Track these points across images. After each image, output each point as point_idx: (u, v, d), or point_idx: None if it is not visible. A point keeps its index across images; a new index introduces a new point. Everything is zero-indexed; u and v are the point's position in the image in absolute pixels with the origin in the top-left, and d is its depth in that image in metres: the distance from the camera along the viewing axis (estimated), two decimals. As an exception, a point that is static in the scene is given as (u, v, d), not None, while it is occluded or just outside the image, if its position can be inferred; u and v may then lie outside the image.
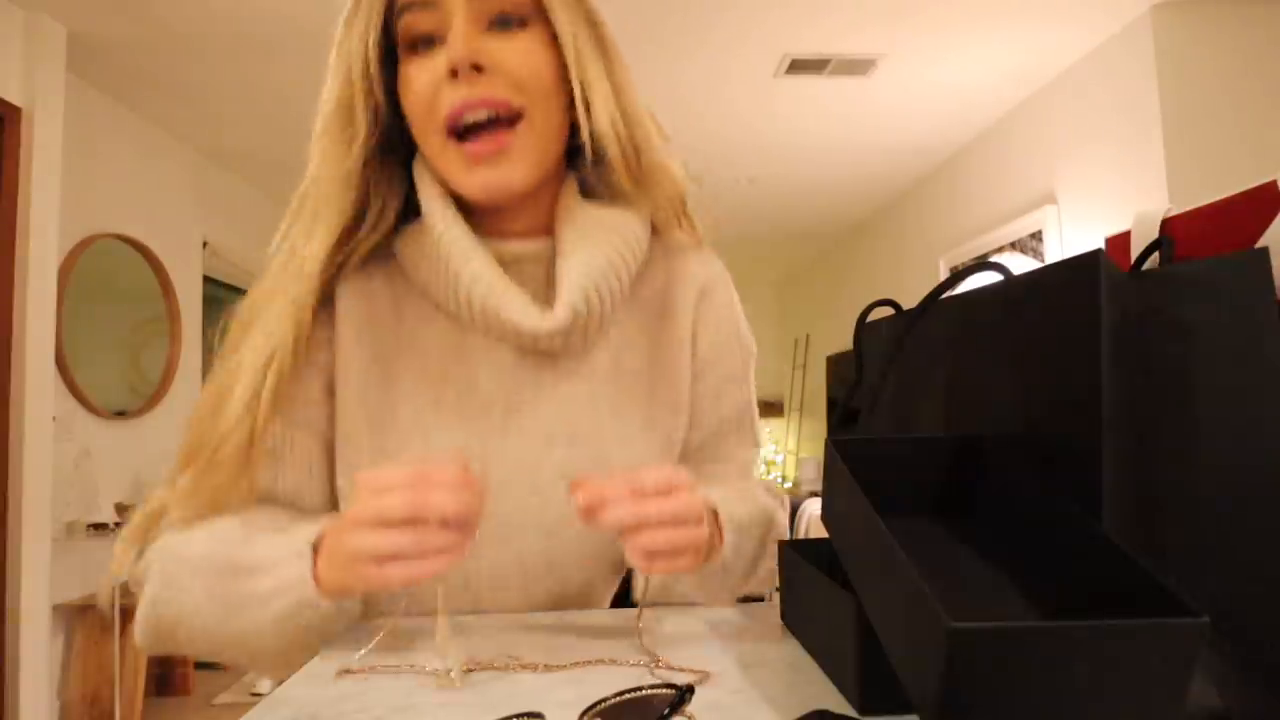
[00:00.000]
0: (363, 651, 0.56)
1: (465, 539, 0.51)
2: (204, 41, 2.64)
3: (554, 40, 0.65)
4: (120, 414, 3.04)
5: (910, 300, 0.59)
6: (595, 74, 0.64)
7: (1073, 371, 0.43)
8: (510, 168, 0.64)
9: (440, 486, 0.49)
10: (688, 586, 0.67)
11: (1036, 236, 3.17)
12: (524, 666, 0.54)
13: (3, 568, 2.29)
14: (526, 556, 0.67)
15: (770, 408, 6.75)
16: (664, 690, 0.41)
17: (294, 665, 0.53)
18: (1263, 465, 0.39)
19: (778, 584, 0.64)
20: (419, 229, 0.68)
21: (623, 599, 0.74)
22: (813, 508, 4.24)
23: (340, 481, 0.67)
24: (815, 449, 6.01)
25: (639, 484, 0.53)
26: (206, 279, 3.66)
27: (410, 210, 0.71)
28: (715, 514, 0.65)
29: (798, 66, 2.92)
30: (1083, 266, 0.43)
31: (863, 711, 0.43)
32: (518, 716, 0.40)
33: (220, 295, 4.02)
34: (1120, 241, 0.54)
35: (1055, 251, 3.06)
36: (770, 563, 0.72)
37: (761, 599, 0.74)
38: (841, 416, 0.65)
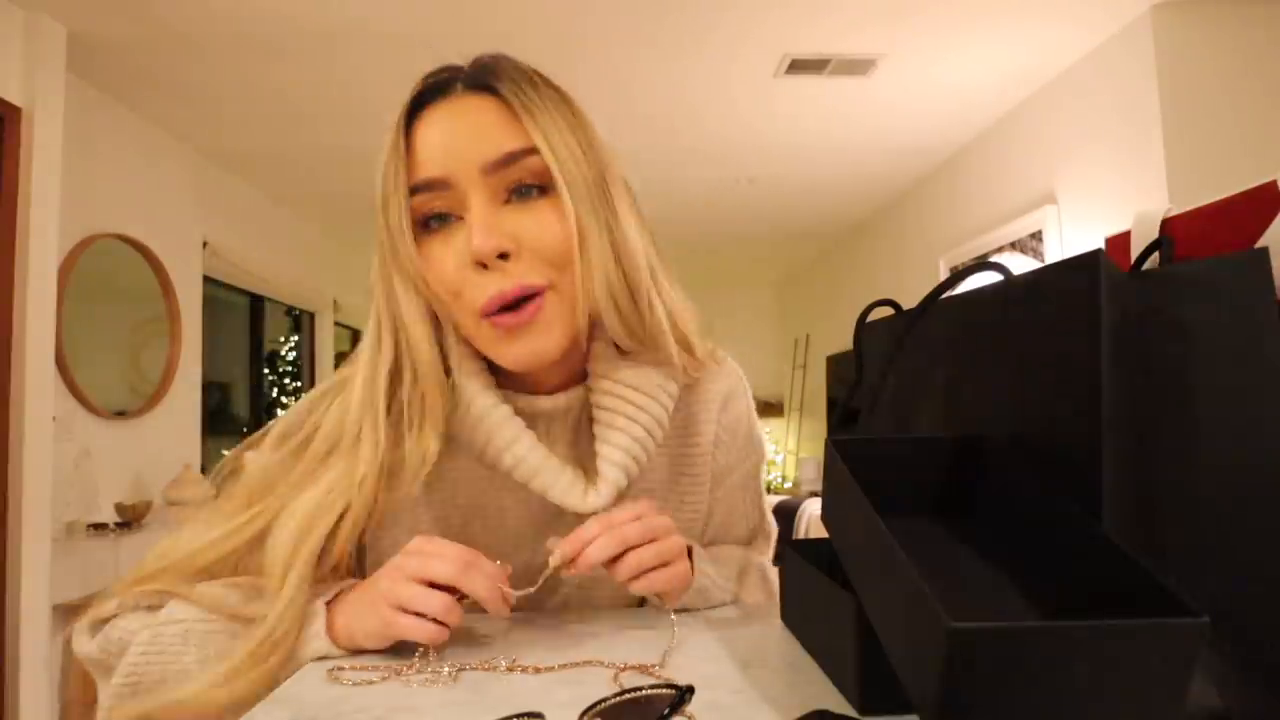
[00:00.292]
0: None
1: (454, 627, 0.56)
2: (204, 41, 2.63)
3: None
4: (120, 414, 3.04)
5: (910, 300, 0.59)
6: (597, 242, 0.61)
7: (1073, 371, 0.43)
8: (545, 338, 0.61)
9: (481, 572, 0.56)
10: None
11: (1036, 236, 3.17)
12: (522, 668, 0.54)
13: (3, 568, 2.28)
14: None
15: (770, 408, 6.75)
16: (664, 690, 0.41)
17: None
18: (1263, 465, 0.39)
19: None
20: (451, 387, 0.66)
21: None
22: (813, 508, 4.24)
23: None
24: (815, 449, 6.01)
25: (611, 517, 0.59)
26: (206, 279, 3.66)
27: None
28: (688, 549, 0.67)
29: (798, 66, 2.92)
30: (1083, 266, 0.43)
31: (863, 711, 0.43)
32: (518, 716, 0.40)
33: (220, 295, 4.02)
34: (1120, 241, 0.54)
35: (1055, 251, 3.06)
36: (757, 596, 0.76)
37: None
38: (841, 416, 0.65)
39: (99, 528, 2.69)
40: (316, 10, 2.46)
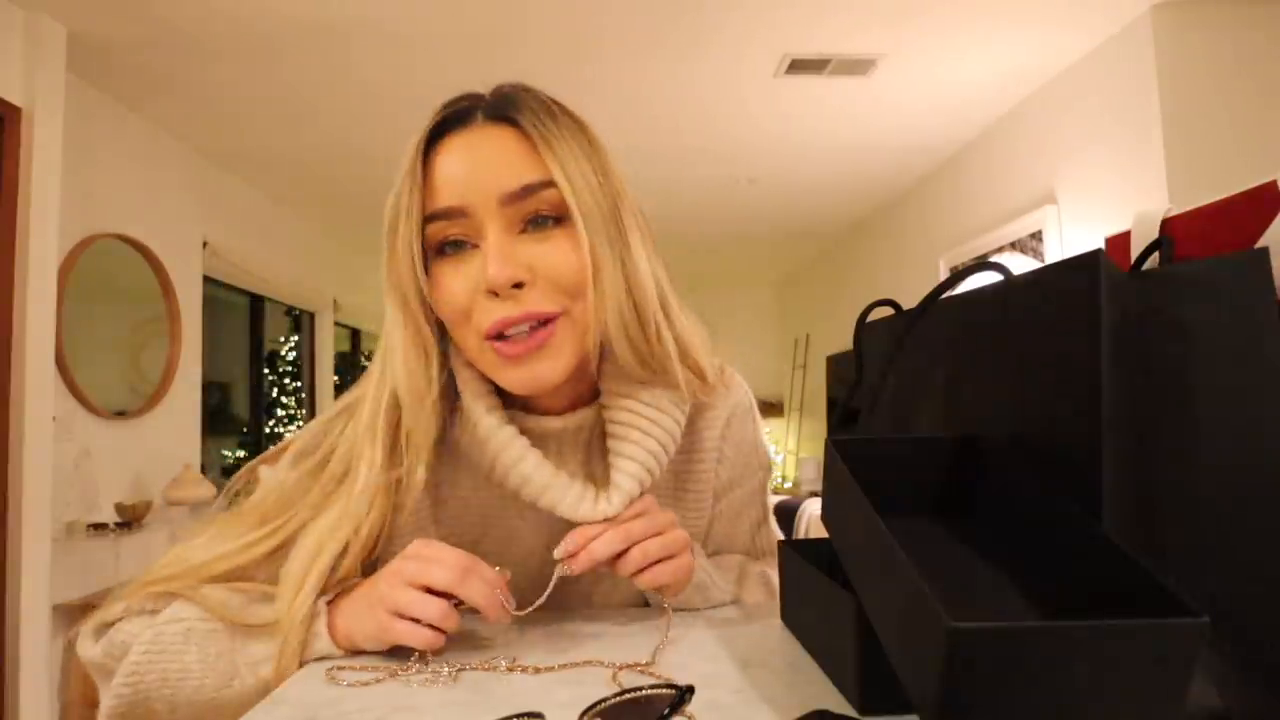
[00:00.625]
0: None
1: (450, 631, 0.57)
2: (204, 41, 2.63)
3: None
4: (120, 414, 3.04)
5: (910, 300, 0.59)
6: (611, 273, 0.61)
7: (1073, 371, 0.43)
8: (550, 364, 0.61)
9: (480, 579, 0.57)
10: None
11: (1036, 236, 3.17)
12: (522, 668, 0.54)
13: (3, 568, 2.28)
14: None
15: (770, 408, 6.75)
16: (664, 690, 0.41)
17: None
18: (1263, 465, 0.39)
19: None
20: (459, 408, 0.67)
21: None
22: (813, 508, 4.24)
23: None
24: (815, 449, 6.01)
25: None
26: (206, 279, 3.65)
27: None
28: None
29: (798, 66, 2.92)
30: (1083, 266, 0.43)
31: (863, 711, 0.43)
32: (518, 716, 0.40)
33: (220, 295, 4.02)
34: (1120, 241, 0.54)
35: (1055, 251, 3.06)
36: (758, 597, 0.76)
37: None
38: (841, 416, 0.65)
39: (99, 528, 2.69)
40: (317, 10, 2.46)
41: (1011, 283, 0.50)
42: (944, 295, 0.56)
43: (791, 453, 6.53)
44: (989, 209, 3.57)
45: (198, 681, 0.56)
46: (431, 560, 0.57)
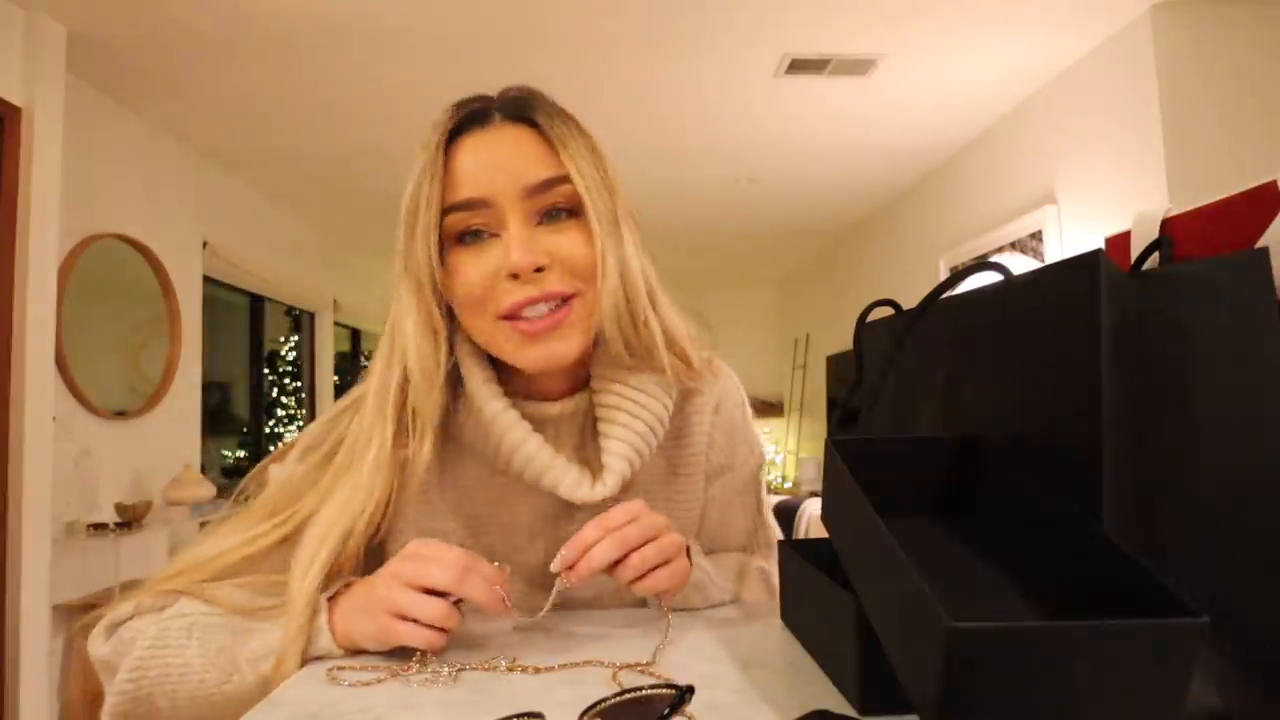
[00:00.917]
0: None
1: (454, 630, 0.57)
2: (204, 41, 2.63)
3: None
4: (120, 414, 3.04)
5: (910, 300, 0.59)
6: (612, 264, 0.66)
7: (1073, 371, 0.43)
8: (565, 343, 0.66)
9: (479, 576, 0.57)
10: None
11: (1036, 236, 3.17)
12: (522, 668, 0.54)
13: (3, 568, 2.28)
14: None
15: (770, 408, 6.75)
16: (664, 690, 0.41)
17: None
18: (1263, 465, 0.39)
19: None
20: (462, 396, 0.70)
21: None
22: (813, 508, 4.24)
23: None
24: (815, 449, 6.01)
25: (609, 521, 0.60)
26: (206, 279, 3.65)
27: None
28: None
29: (798, 66, 2.92)
30: (1083, 266, 0.43)
31: (863, 711, 0.43)
32: (518, 716, 0.40)
33: (220, 295, 4.02)
34: (1120, 241, 0.54)
35: (1055, 251, 3.06)
36: (758, 594, 0.77)
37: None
38: (841, 416, 0.66)
39: (99, 528, 2.69)
40: (318, 9, 2.46)
41: (1011, 283, 0.50)
42: (944, 295, 0.56)
43: (791, 453, 6.53)
44: (989, 209, 3.57)
45: (199, 676, 0.57)
46: (429, 560, 0.57)
